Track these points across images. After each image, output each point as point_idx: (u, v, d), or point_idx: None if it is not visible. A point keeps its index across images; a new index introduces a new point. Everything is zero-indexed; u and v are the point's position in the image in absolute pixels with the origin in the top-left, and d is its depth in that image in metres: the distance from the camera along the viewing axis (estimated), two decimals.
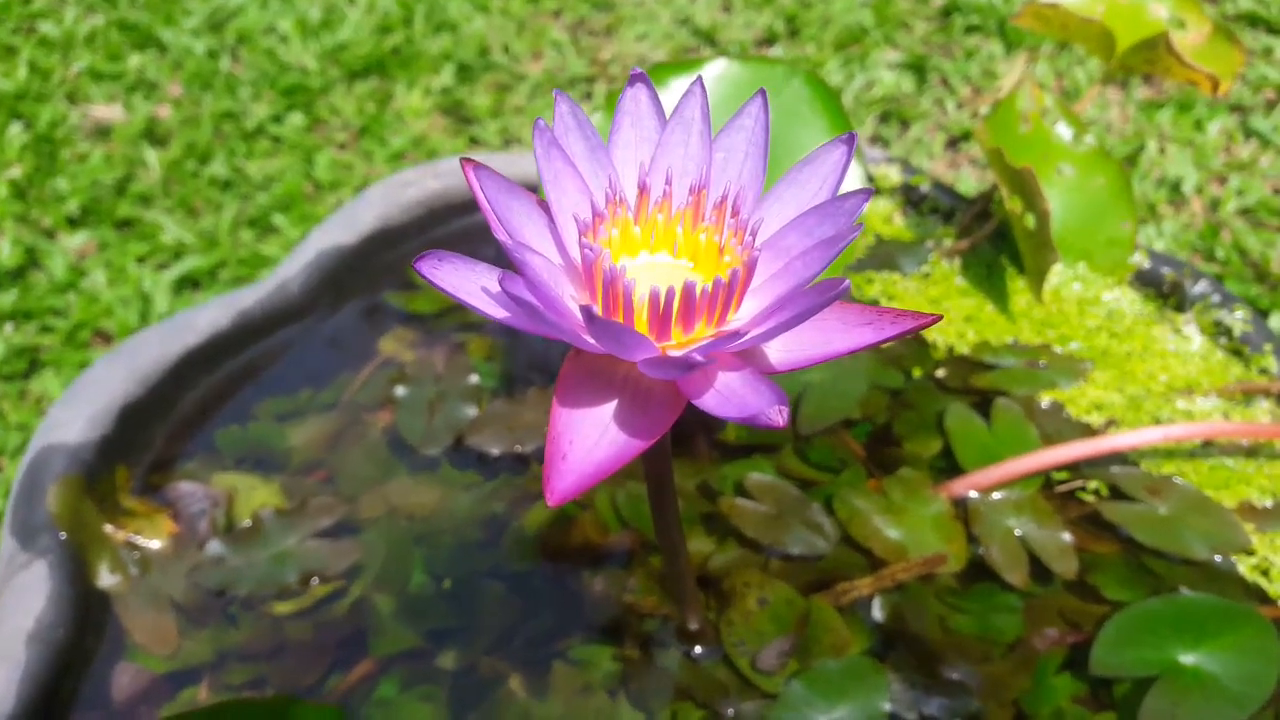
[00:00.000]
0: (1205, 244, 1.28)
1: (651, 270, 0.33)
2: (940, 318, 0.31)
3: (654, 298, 0.29)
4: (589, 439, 0.30)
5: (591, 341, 0.29)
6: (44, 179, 1.28)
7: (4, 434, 1.01)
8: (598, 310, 0.31)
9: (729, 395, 0.29)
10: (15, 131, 1.34)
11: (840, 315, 0.32)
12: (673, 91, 0.65)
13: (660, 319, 0.30)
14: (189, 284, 1.18)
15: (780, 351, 0.32)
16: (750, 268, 0.30)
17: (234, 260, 1.20)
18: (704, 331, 0.31)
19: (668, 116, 0.34)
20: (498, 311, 0.30)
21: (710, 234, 0.33)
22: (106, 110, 1.39)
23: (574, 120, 0.33)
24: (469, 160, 0.31)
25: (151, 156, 1.32)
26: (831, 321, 0.32)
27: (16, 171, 1.28)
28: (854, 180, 0.65)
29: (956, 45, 1.59)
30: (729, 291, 0.30)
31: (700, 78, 0.33)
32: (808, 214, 0.31)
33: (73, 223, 1.24)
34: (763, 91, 0.33)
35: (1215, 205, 1.34)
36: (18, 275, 1.17)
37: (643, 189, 0.33)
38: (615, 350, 0.29)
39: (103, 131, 1.37)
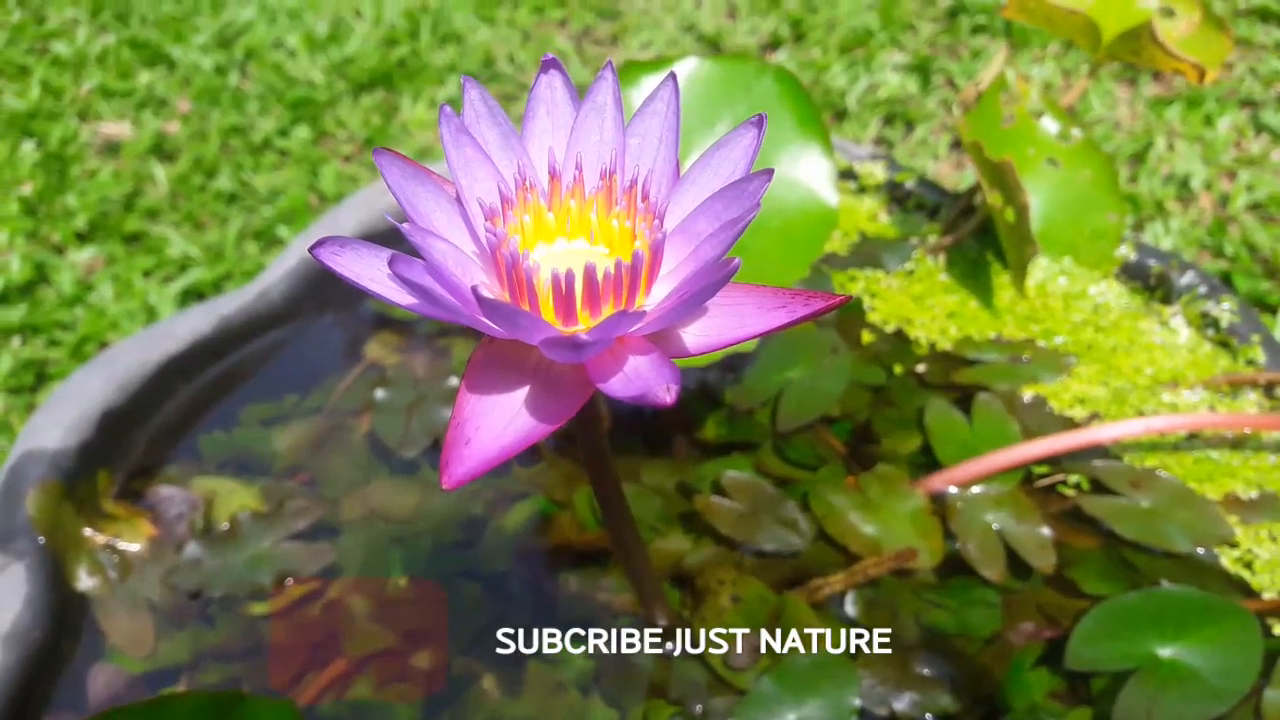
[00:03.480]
0: (1214, 240, 1.26)
1: (567, 257, 0.33)
2: (850, 299, 0.31)
3: (556, 281, 0.29)
4: (497, 425, 0.30)
5: (492, 326, 0.29)
6: (54, 195, 1.30)
7: (11, 446, 1.03)
8: (505, 297, 0.31)
9: (634, 378, 0.29)
10: (27, 149, 1.36)
11: (756, 300, 0.32)
12: (643, 89, 0.65)
13: (564, 302, 0.30)
14: (194, 296, 1.19)
15: (697, 336, 0.32)
16: (655, 250, 0.30)
17: (239, 273, 1.21)
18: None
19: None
20: (404, 298, 0.30)
21: (623, 219, 0.33)
22: (116, 127, 1.41)
23: (484, 107, 0.33)
24: (381, 149, 0.31)
25: (159, 172, 1.34)
26: (748, 306, 0.32)
27: (28, 189, 1.30)
28: (823, 174, 0.65)
29: (963, 46, 1.59)
30: (634, 274, 0.30)
31: (610, 62, 0.33)
32: (714, 198, 0.31)
33: (81, 238, 1.26)
34: (673, 75, 0.33)
35: (1224, 201, 1.32)
36: (26, 290, 1.18)
37: (553, 174, 0.33)
38: (511, 332, 0.29)
39: (112, 148, 1.39)
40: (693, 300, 0.28)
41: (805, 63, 1.55)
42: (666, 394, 0.27)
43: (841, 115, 1.48)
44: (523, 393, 0.31)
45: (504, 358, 0.31)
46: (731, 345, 0.31)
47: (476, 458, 0.29)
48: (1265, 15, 1.60)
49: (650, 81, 0.66)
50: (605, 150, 0.33)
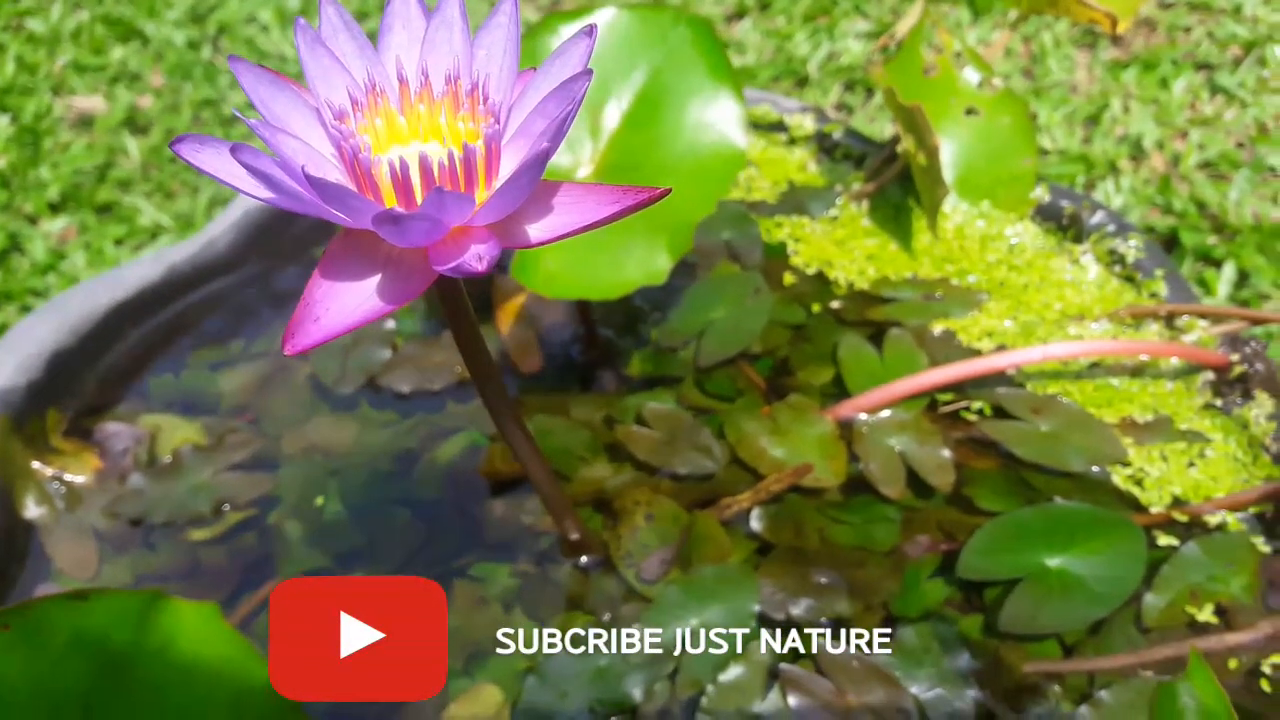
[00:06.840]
0: (1163, 197, 1.29)
1: (417, 156, 0.36)
2: (668, 191, 0.34)
3: (393, 170, 0.32)
4: (347, 306, 0.33)
5: (335, 213, 0.32)
6: (27, 168, 1.33)
7: None
8: (353, 188, 0.34)
9: (468, 258, 0.32)
10: (1, 124, 1.39)
11: (596, 197, 0.35)
12: (561, 38, 0.68)
13: (404, 192, 0.33)
14: None
15: (542, 229, 0.35)
16: (490, 142, 0.34)
17: None
18: None
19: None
20: (262, 192, 0.33)
21: (468, 120, 0.36)
22: (89, 101, 1.44)
23: (341, 21, 0.36)
24: (235, 57, 0.34)
25: (132, 144, 1.37)
26: (588, 202, 0.35)
27: (1, 162, 1.33)
28: (733, 118, 0.68)
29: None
30: (468, 165, 0.33)
31: None
32: (546, 99, 0.34)
33: (54, 208, 1.29)
34: None
35: (1176, 160, 1.35)
36: (0, 259, 1.22)
37: (402, 80, 0.36)
38: (345, 211, 0.32)
39: (85, 121, 1.42)
40: (516, 184, 0.32)
41: (770, 31, 1.58)
42: (479, 263, 0.30)
43: (803, 82, 1.51)
44: (373, 279, 0.34)
45: (357, 247, 0.35)
46: (573, 234, 0.34)
47: (322, 332, 0.32)
48: None
49: (567, 30, 0.69)
50: (453, 60, 0.36)
